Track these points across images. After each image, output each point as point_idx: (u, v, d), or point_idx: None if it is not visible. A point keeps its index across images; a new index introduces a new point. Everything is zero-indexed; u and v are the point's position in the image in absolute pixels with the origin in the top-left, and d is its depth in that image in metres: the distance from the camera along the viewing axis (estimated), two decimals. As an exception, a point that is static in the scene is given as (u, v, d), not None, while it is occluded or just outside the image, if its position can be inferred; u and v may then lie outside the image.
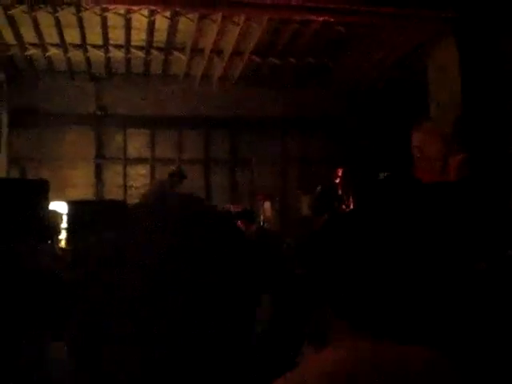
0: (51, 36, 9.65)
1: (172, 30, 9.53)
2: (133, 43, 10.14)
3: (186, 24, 9.27)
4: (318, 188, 9.54)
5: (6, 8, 8.37)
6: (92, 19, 8.98)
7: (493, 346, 1.59)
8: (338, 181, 9.85)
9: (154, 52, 10.47)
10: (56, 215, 6.26)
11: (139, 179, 11.30)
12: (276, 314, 2.30)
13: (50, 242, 5.31)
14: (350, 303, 1.32)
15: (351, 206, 9.38)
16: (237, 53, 10.41)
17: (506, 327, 1.61)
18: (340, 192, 9.67)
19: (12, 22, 9.01)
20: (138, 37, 9.83)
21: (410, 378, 1.23)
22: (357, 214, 1.80)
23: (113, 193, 11.30)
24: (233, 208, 10.26)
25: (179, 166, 9.82)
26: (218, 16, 8.84)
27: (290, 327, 2.13)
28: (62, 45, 9.99)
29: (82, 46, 10.08)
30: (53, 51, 10.21)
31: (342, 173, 9.85)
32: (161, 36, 9.84)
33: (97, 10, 8.58)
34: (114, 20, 9.07)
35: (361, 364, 1.24)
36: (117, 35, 9.73)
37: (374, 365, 1.23)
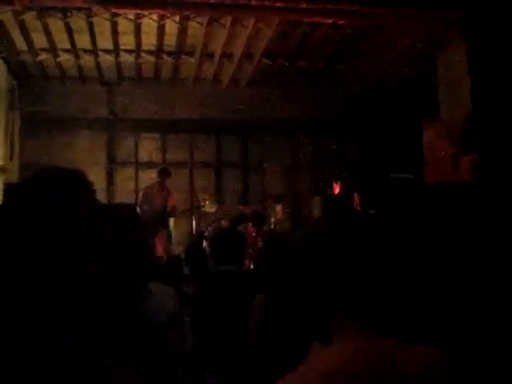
0: (62, 41, 9.71)
1: (182, 34, 9.56)
2: (143, 48, 10.19)
3: (196, 28, 9.29)
4: (329, 191, 9.64)
5: (17, 14, 8.44)
6: (102, 24, 9.03)
7: (499, 346, 1.59)
8: (337, 192, 10.01)
9: (164, 56, 10.52)
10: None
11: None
12: (269, 314, 2.32)
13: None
14: (359, 304, 1.33)
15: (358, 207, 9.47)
16: (246, 56, 10.43)
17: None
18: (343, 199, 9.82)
19: (23, 28, 9.08)
20: (148, 41, 9.88)
21: (411, 378, 1.23)
22: (365, 214, 1.81)
23: (124, 197, 11.34)
24: (244, 209, 10.33)
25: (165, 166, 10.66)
26: (228, 19, 8.86)
27: (285, 327, 2.14)
28: (73, 50, 10.05)
29: (93, 51, 10.13)
30: (64, 56, 10.28)
31: (341, 187, 10.03)
32: (171, 40, 9.88)
33: (107, 15, 8.62)
34: (124, 25, 9.12)
35: (363, 365, 1.25)
36: (127, 40, 9.77)
37: (376, 366, 1.24)
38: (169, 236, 9.78)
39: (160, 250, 9.18)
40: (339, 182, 10.06)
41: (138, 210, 9.14)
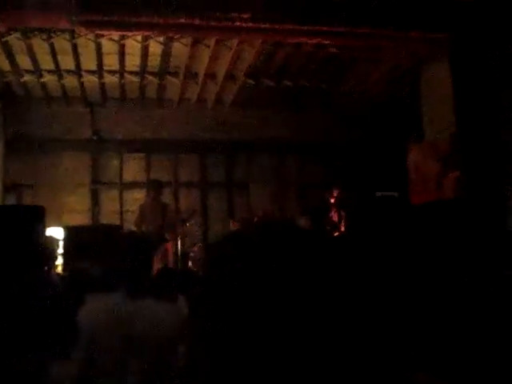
0: (46, 62, 9.70)
1: (165, 54, 9.58)
2: (127, 68, 10.20)
3: (180, 49, 9.32)
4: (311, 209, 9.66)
5: (1, 35, 8.42)
6: (86, 45, 9.03)
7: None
8: (332, 201, 9.95)
9: (149, 77, 10.51)
10: (52, 241, 6.23)
11: (135, 204, 11.24)
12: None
13: (46, 268, 5.28)
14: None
15: (342, 228, 9.46)
16: (230, 76, 10.46)
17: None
18: (333, 212, 9.78)
19: (7, 49, 9.06)
20: (132, 62, 9.89)
21: None
22: (350, 237, 1.81)
23: (109, 217, 11.26)
24: (232, 224, 10.37)
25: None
26: (212, 40, 8.89)
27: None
28: (57, 71, 10.04)
29: (77, 71, 10.12)
30: (48, 77, 10.25)
31: (337, 194, 9.96)
32: (155, 61, 9.89)
33: (91, 36, 8.62)
34: (108, 46, 9.12)
35: None
36: (111, 61, 9.78)
37: None
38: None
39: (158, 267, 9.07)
40: (337, 191, 9.99)
41: (135, 228, 9.15)
